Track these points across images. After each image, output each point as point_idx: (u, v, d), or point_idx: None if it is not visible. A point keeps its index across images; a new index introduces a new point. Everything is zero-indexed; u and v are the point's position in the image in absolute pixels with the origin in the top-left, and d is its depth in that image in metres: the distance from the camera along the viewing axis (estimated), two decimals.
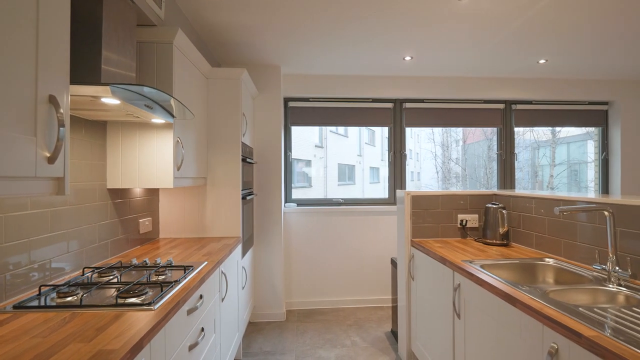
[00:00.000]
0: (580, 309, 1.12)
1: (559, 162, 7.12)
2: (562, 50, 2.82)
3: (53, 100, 0.94)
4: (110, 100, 1.25)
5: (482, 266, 1.68)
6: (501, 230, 2.12)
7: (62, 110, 0.96)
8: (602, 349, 0.89)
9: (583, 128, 4.64)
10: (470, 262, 1.73)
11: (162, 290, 1.24)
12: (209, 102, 2.49)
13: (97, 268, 1.51)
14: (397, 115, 3.60)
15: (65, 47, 0.99)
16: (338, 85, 3.45)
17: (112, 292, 1.26)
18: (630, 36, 2.57)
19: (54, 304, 1.14)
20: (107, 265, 1.55)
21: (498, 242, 2.13)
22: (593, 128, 3.96)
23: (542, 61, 3.08)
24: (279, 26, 2.42)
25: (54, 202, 1.41)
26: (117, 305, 1.13)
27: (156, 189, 2.37)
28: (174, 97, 1.47)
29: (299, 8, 2.16)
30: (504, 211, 2.12)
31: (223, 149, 2.49)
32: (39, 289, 1.23)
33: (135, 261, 1.61)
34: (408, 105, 3.58)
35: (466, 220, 2.37)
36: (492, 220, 2.16)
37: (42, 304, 1.14)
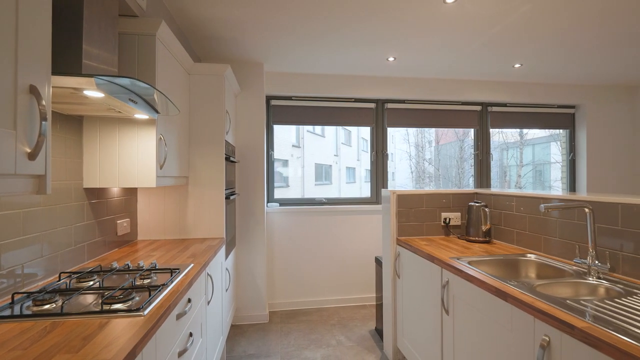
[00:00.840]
0: (568, 301, 1.17)
1: (526, 163, 7.47)
2: (536, 55, 2.96)
3: (34, 91, 0.86)
4: (94, 93, 1.17)
5: (469, 263, 1.72)
6: (484, 228, 2.19)
7: (44, 103, 0.88)
8: (595, 339, 0.93)
9: (547, 130, 4.91)
10: (458, 259, 1.77)
11: (150, 295, 1.18)
12: (190, 98, 2.40)
13: (74, 273, 1.42)
14: (380, 116, 3.64)
15: (46, 34, 0.91)
16: (321, 85, 3.44)
17: (95, 298, 1.18)
18: (601, 44, 2.73)
19: (29, 312, 1.05)
20: (86, 270, 1.45)
21: (481, 239, 2.19)
22: (558, 130, 4.19)
23: (517, 65, 3.21)
24: (265, 23, 2.38)
25: (26, 203, 1.30)
26: (103, 312, 1.06)
27: (134, 188, 2.25)
28: (161, 92, 1.40)
29: (289, 6, 2.13)
30: (486, 209, 2.19)
31: (206, 148, 2.41)
32: (12, 297, 1.13)
33: (116, 265, 1.52)
34: (390, 105, 3.62)
35: (449, 219, 2.43)
36: (474, 218, 2.22)
37: (17, 313, 1.05)
